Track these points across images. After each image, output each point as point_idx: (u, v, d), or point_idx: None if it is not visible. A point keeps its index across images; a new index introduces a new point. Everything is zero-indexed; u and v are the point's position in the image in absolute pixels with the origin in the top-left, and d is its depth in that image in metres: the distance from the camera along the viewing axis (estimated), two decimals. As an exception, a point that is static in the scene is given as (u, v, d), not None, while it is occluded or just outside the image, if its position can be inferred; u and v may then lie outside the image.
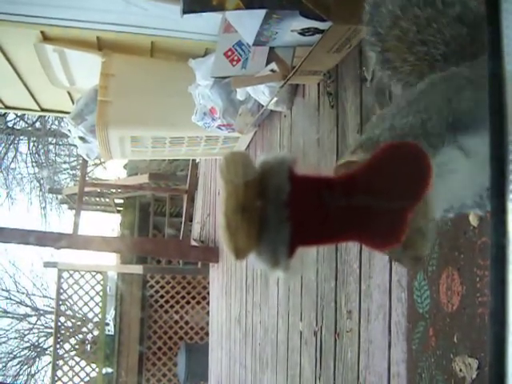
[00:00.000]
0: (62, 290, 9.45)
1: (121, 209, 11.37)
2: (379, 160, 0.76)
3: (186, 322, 9.21)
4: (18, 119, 14.60)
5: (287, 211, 0.73)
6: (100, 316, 9.85)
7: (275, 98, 3.29)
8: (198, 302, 9.11)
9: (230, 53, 2.97)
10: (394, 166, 0.75)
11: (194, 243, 7.66)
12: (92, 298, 9.62)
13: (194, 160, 7.94)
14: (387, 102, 2.19)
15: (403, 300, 1.97)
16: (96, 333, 10.14)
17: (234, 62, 2.96)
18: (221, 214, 0.74)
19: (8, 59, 4.03)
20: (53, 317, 11.34)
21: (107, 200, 11.27)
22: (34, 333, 15.90)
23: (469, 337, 1.57)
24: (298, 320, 3.17)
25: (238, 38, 2.89)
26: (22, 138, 15.27)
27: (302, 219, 0.74)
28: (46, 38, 3.77)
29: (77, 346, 9.88)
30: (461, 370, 1.59)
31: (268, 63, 2.85)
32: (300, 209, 0.74)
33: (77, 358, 9.69)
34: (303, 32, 2.55)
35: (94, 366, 9.77)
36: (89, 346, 10.12)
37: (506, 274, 0.51)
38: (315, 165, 2.99)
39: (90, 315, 9.88)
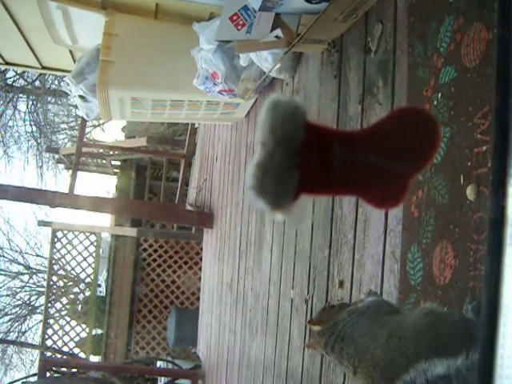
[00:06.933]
0: (55, 250, 9.48)
1: (117, 171, 11.37)
2: (392, 122, 0.78)
3: (178, 287, 9.26)
4: (18, 77, 14.53)
5: (298, 158, 0.74)
6: (92, 277, 9.90)
7: (278, 65, 3.28)
8: (191, 267, 9.16)
9: (235, 17, 2.94)
10: (406, 129, 0.77)
11: (189, 208, 7.68)
12: (85, 259, 9.66)
13: (192, 125, 7.92)
14: (391, 75, 2.19)
15: (396, 271, 1.98)
16: (87, 293, 10.22)
17: (239, 27, 2.93)
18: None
19: (10, 15, 4.00)
20: (45, 276, 11.41)
21: (104, 161, 11.24)
22: (25, 291, 16.02)
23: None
24: (290, 288, 3.19)
25: (244, 2, 2.87)
26: (20, 96, 15.22)
27: (310, 168, 0.75)
28: (49, -5, 3.74)
29: (68, 306, 9.94)
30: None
31: (273, 29, 2.83)
32: (310, 157, 0.75)
33: (67, 318, 9.77)
34: (310, -1, 2.53)
35: (84, 326, 9.84)
36: (80, 306, 10.20)
37: (504, 234, 0.52)
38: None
39: (83, 276, 9.95)
